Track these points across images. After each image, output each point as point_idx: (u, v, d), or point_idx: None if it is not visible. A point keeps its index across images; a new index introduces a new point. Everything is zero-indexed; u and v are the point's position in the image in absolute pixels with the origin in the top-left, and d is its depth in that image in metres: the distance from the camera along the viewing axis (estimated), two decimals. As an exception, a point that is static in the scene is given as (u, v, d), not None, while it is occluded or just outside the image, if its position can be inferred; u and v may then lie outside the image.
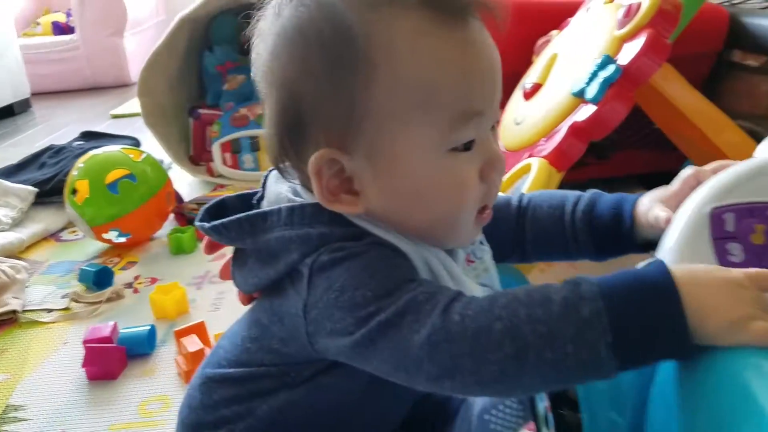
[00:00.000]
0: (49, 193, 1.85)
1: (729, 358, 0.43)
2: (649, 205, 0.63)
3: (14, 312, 1.30)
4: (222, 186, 1.92)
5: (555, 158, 1.00)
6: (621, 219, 0.65)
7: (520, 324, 0.45)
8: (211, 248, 0.67)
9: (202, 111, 2.11)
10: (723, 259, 0.52)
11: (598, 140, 1.57)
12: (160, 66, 1.97)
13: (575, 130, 0.96)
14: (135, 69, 3.64)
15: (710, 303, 0.43)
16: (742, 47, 1.47)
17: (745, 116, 1.47)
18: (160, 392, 1.04)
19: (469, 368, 0.46)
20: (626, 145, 1.60)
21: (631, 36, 0.97)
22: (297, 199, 0.57)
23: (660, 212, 0.60)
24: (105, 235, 1.54)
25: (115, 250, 1.60)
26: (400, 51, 0.50)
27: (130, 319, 1.25)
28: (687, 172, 0.61)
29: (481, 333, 0.45)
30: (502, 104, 1.26)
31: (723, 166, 0.58)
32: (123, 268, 1.50)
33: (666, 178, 0.64)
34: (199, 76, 2.20)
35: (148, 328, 1.15)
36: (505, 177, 1.06)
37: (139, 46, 3.88)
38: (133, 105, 2.75)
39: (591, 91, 0.95)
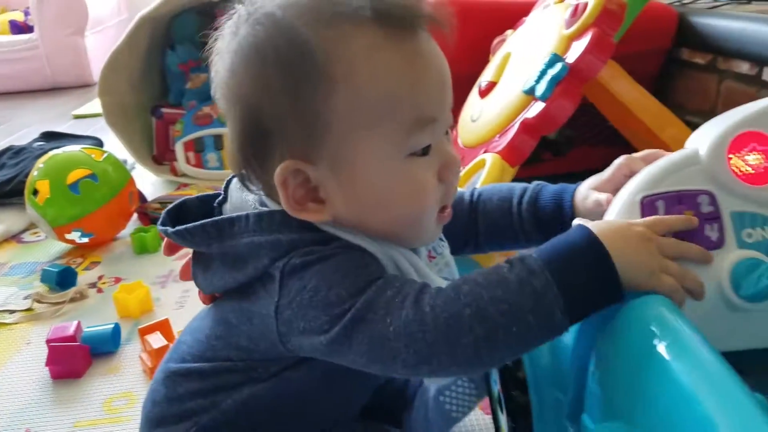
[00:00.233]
0: (10, 194, 1.84)
1: (639, 312, 0.50)
2: (585, 192, 0.67)
3: (-23, 314, 1.30)
4: (186, 185, 1.93)
5: (508, 154, 1.03)
6: (562, 208, 0.69)
7: (486, 306, 0.49)
8: (171, 250, 0.69)
9: (164, 110, 2.10)
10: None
11: (555, 137, 1.62)
12: (121, 65, 1.97)
13: (526, 126, 0.99)
14: (97, 68, 3.57)
15: (631, 258, 0.51)
16: (690, 46, 1.52)
17: (695, 112, 1.53)
18: (125, 389, 1.05)
19: (446, 352, 0.50)
20: (582, 142, 1.64)
21: (577, 35, 1.01)
22: (264, 207, 0.59)
23: (599, 196, 0.65)
24: (67, 236, 1.54)
25: (78, 250, 1.59)
26: (357, 65, 0.53)
27: (94, 318, 1.25)
28: (619, 160, 0.66)
29: (452, 320, 0.49)
30: (462, 103, 1.30)
31: (653, 155, 0.63)
32: (86, 269, 1.50)
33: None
34: (162, 75, 2.20)
35: (112, 326, 1.15)
36: (462, 172, 1.09)
37: (101, 45, 3.82)
38: (96, 105, 2.73)
39: (540, 89, 0.99)
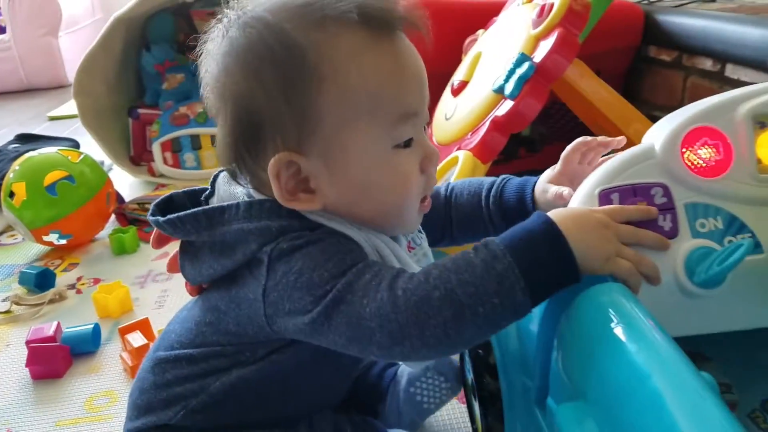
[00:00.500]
0: (-14, 197, 1.84)
1: (597, 297, 0.52)
2: (543, 186, 0.72)
3: (-44, 316, 1.30)
4: (164, 185, 1.93)
5: (479, 151, 1.06)
6: (524, 201, 0.73)
7: (454, 288, 0.52)
8: (160, 242, 0.71)
9: (141, 111, 2.11)
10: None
11: (529, 134, 1.65)
12: (96, 66, 1.97)
13: (496, 124, 1.02)
14: (71, 69, 3.58)
15: (588, 242, 0.53)
16: (657, 43, 1.56)
17: (662, 108, 1.57)
18: (106, 388, 1.06)
19: (416, 334, 0.52)
20: (555, 138, 1.68)
21: (544, 35, 1.03)
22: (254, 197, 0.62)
23: (558, 189, 0.69)
24: (45, 238, 1.54)
25: (57, 252, 1.60)
26: (345, 64, 0.57)
27: (73, 319, 1.26)
28: (566, 151, 0.73)
29: (422, 302, 0.52)
30: (437, 101, 1.32)
31: (592, 140, 0.72)
32: (65, 270, 1.51)
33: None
34: (137, 76, 2.20)
35: (92, 326, 1.17)
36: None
37: (75, 45, 3.80)
38: (71, 106, 2.72)
39: (509, 88, 1.01)
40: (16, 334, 1.25)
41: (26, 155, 1.58)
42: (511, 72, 1.02)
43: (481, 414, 0.77)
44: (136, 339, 1.10)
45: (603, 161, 0.70)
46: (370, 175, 0.60)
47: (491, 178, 0.77)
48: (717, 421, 0.39)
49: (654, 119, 0.68)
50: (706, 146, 0.60)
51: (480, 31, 1.47)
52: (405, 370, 0.82)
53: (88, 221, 1.60)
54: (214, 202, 0.65)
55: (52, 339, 1.13)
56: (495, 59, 1.20)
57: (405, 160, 0.61)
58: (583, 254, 0.53)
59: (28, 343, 1.12)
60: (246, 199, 0.62)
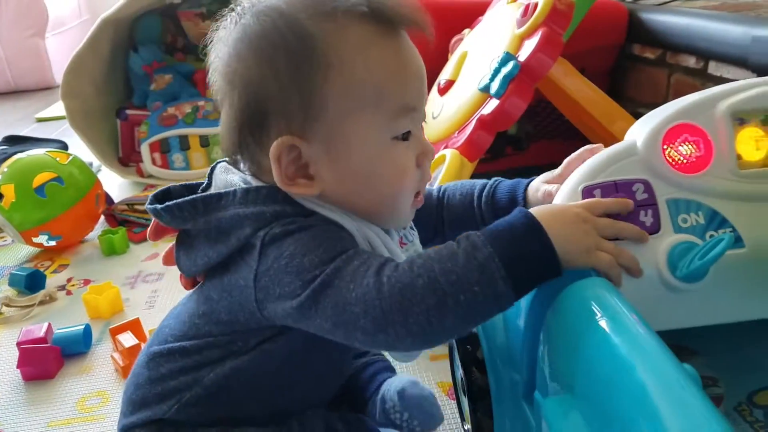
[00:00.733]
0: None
1: (581, 292, 0.53)
2: (537, 185, 0.73)
3: (-54, 318, 1.30)
4: (152, 186, 1.93)
5: (466, 149, 1.07)
6: (516, 201, 0.74)
7: (437, 277, 0.53)
8: (157, 234, 0.71)
9: (129, 112, 2.11)
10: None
11: (515, 132, 1.66)
12: (84, 68, 1.97)
13: (482, 123, 1.03)
14: (58, 71, 3.55)
15: (568, 236, 0.55)
16: (641, 41, 1.58)
17: (647, 105, 1.58)
18: (98, 388, 1.07)
19: (400, 321, 0.53)
20: (541, 136, 1.69)
21: (528, 34, 1.04)
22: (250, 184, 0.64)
23: (548, 187, 0.70)
24: (35, 239, 1.54)
25: (47, 253, 1.60)
26: (352, 55, 0.59)
27: (64, 320, 1.27)
28: (570, 157, 0.72)
29: (406, 290, 0.53)
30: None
31: (598, 148, 0.69)
32: (55, 271, 1.51)
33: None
34: (125, 77, 2.21)
35: (83, 327, 1.17)
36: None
37: (62, 46, 3.78)
38: (59, 108, 2.72)
39: (494, 87, 1.02)
40: (6, 335, 1.25)
41: (15, 157, 1.58)
42: (497, 71, 1.03)
43: (470, 409, 0.78)
44: (127, 339, 1.10)
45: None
46: (369, 164, 0.61)
47: (483, 180, 0.78)
48: (698, 411, 0.40)
49: (638, 116, 0.69)
50: (687, 143, 0.61)
51: (466, 31, 1.48)
52: (387, 382, 0.82)
53: (78, 222, 1.60)
54: (212, 192, 0.66)
55: (43, 340, 1.13)
56: (481, 58, 1.21)
57: (402, 152, 0.62)
58: (563, 247, 0.54)
59: (19, 344, 1.12)
60: (243, 186, 0.63)
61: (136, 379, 0.70)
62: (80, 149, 2.01)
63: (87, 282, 1.44)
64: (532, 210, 0.57)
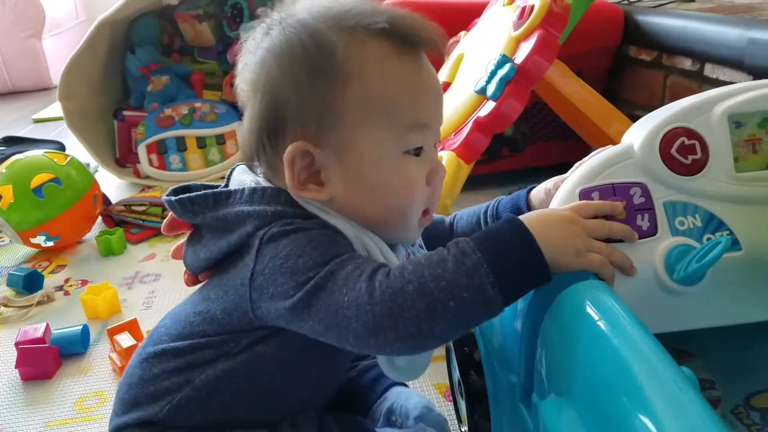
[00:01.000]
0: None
1: (577, 295, 0.54)
2: (540, 189, 0.73)
3: (-57, 319, 1.30)
4: (149, 187, 1.93)
5: (462, 151, 1.07)
6: (519, 209, 0.75)
7: (427, 282, 0.53)
8: (171, 228, 0.72)
9: (126, 113, 2.11)
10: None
11: (511, 134, 1.67)
12: (81, 69, 1.97)
13: (479, 125, 1.03)
14: (55, 72, 3.57)
15: (555, 239, 0.55)
16: (637, 43, 1.58)
17: (643, 107, 1.59)
18: (96, 388, 1.07)
19: (390, 326, 0.53)
20: (538, 138, 1.70)
21: (525, 36, 1.05)
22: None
23: (547, 185, 0.72)
24: (33, 240, 1.54)
25: (44, 254, 1.60)
26: (370, 67, 0.61)
27: (62, 320, 1.27)
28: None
29: (397, 295, 0.53)
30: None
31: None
32: (53, 272, 1.51)
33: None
34: (122, 79, 2.21)
35: (81, 327, 1.17)
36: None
37: (60, 48, 3.79)
38: (56, 109, 2.71)
39: (491, 89, 1.03)
40: (4, 335, 1.25)
41: (13, 158, 1.59)
42: (493, 73, 1.04)
43: (467, 411, 0.78)
44: (125, 340, 1.11)
45: None
46: (378, 175, 0.62)
47: (487, 203, 0.80)
48: (695, 414, 0.40)
49: (635, 118, 0.70)
50: (684, 146, 0.62)
51: (462, 33, 1.48)
52: (392, 394, 0.82)
53: (75, 223, 1.60)
54: (223, 189, 0.68)
55: (41, 340, 1.13)
56: (477, 61, 1.21)
57: (413, 167, 0.63)
58: (552, 251, 0.55)
59: (17, 344, 1.12)
60: (252, 185, 0.65)
61: (128, 378, 0.71)
62: (77, 150, 2.01)
63: (84, 282, 1.44)
64: (521, 216, 0.57)
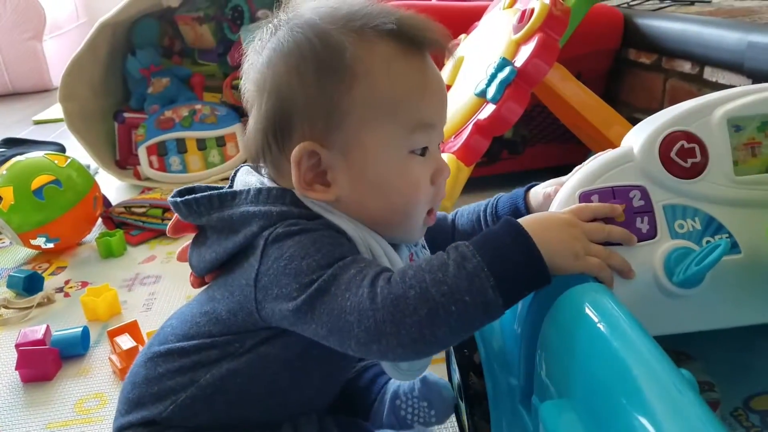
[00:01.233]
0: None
1: (577, 297, 0.54)
2: (538, 191, 0.73)
3: (-57, 321, 1.30)
4: (149, 189, 1.93)
5: (462, 154, 1.07)
6: (518, 210, 0.75)
7: (428, 287, 0.53)
8: (176, 230, 0.73)
9: (126, 115, 2.11)
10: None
11: (511, 136, 1.67)
12: (82, 71, 1.97)
13: (479, 128, 1.03)
14: (56, 73, 3.57)
15: (554, 241, 0.56)
16: (636, 46, 1.58)
17: (642, 110, 1.59)
18: (96, 390, 1.07)
19: (392, 332, 0.53)
20: (537, 140, 1.70)
21: (525, 39, 1.05)
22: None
23: (547, 189, 0.72)
24: (33, 242, 1.54)
25: (44, 255, 1.61)
26: (377, 68, 0.61)
27: (62, 322, 1.27)
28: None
29: (399, 301, 0.53)
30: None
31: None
32: (53, 274, 1.51)
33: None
34: (123, 80, 2.21)
35: (81, 329, 1.17)
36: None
37: (60, 50, 3.80)
38: (56, 110, 2.71)
39: (491, 92, 1.03)
40: (5, 337, 1.25)
41: (13, 160, 1.59)
42: (493, 76, 1.04)
43: (467, 413, 0.78)
44: (125, 341, 1.11)
45: None
46: (384, 174, 0.63)
47: (486, 200, 0.80)
48: (695, 416, 0.40)
49: (634, 121, 0.70)
50: (684, 149, 0.62)
51: (462, 36, 1.48)
52: (390, 384, 0.83)
53: (76, 225, 1.60)
54: (228, 190, 0.69)
55: (41, 342, 1.13)
56: (477, 63, 1.21)
57: (418, 167, 0.64)
58: (551, 253, 0.55)
59: (17, 346, 1.12)
60: (258, 186, 0.65)
61: (133, 378, 0.71)
62: (77, 152, 2.01)
63: (85, 284, 1.44)
64: (520, 219, 0.58)
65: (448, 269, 0.54)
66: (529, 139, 1.69)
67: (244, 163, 0.72)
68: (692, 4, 1.63)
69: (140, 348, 1.09)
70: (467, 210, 0.81)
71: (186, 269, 0.70)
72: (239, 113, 2.09)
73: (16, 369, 1.10)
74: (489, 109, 1.02)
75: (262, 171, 0.68)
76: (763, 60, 1.15)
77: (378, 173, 0.63)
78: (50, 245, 1.56)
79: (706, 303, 0.59)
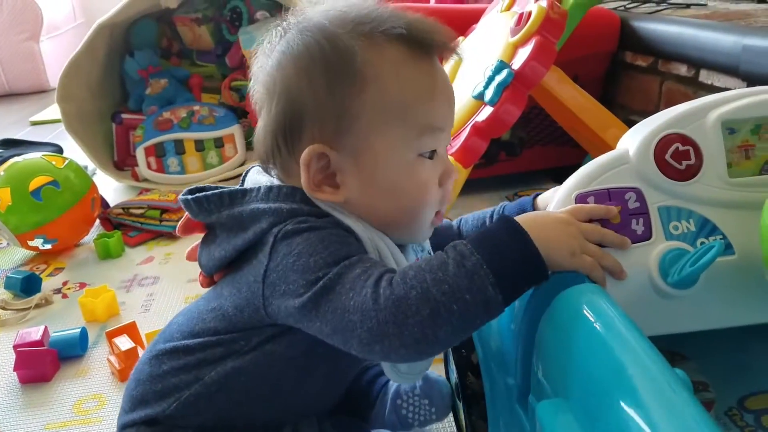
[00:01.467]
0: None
1: (574, 298, 0.55)
2: (546, 196, 0.74)
3: (-59, 322, 1.30)
4: (147, 190, 1.93)
5: (461, 156, 1.08)
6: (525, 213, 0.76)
7: (429, 287, 0.54)
8: (186, 229, 0.73)
9: (124, 116, 2.11)
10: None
11: (508, 138, 1.68)
12: (80, 72, 1.97)
13: (477, 130, 1.04)
14: (53, 74, 3.57)
15: (551, 239, 0.57)
16: (633, 49, 1.59)
17: (639, 112, 1.60)
18: (95, 391, 1.07)
19: (395, 333, 0.54)
20: (535, 142, 1.71)
21: (522, 42, 1.06)
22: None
23: (549, 193, 0.72)
24: (31, 243, 1.54)
25: (42, 256, 1.61)
26: (386, 72, 0.62)
27: (60, 323, 1.27)
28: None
29: (400, 302, 0.54)
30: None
31: None
32: (51, 275, 1.51)
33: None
34: (121, 81, 2.21)
35: (79, 330, 1.17)
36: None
37: (57, 50, 3.79)
38: (53, 111, 2.72)
39: (489, 94, 1.03)
40: (3, 338, 1.25)
41: (11, 161, 1.59)
42: (491, 79, 1.05)
43: (465, 413, 0.79)
44: (124, 342, 1.11)
45: None
46: (393, 176, 0.64)
47: (491, 208, 0.81)
48: (688, 414, 0.41)
49: (630, 123, 0.70)
50: (679, 151, 0.63)
51: (460, 39, 1.49)
52: (390, 384, 0.84)
53: (73, 226, 1.60)
54: (239, 188, 0.69)
55: (39, 343, 1.13)
56: (475, 66, 1.22)
57: (427, 169, 0.65)
58: (547, 250, 0.56)
59: (15, 347, 1.12)
60: (269, 184, 0.66)
61: (138, 375, 0.71)
62: (75, 153, 2.01)
63: (83, 285, 1.44)
64: (516, 218, 0.58)
65: (448, 268, 0.55)
66: (526, 141, 1.70)
67: (242, 164, 0.73)
68: (688, 7, 1.63)
69: (139, 349, 1.09)
70: (471, 217, 0.82)
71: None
72: (237, 114, 2.09)
73: (14, 370, 1.10)
74: (487, 111, 1.03)
75: (272, 172, 0.68)
76: (758, 63, 1.16)
77: (387, 176, 0.64)
78: (48, 246, 1.56)
79: (700, 304, 0.60)
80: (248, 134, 2.06)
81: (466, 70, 1.29)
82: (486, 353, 0.74)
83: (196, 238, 0.71)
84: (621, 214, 0.61)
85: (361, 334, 0.55)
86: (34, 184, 1.52)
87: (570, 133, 1.38)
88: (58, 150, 2.31)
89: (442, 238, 0.75)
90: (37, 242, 1.54)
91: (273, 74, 0.65)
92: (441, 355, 0.91)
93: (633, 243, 0.60)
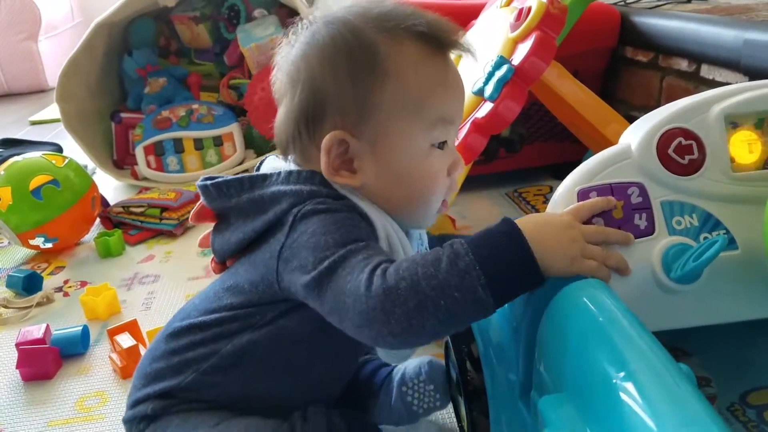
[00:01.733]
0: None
1: (577, 293, 0.55)
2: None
3: (-57, 321, 1.30)
4: (147, 189, 1.94)
5: (460, 152, 1.07)
6: None
7: (419, 280, 0.56)
8: (199, 217, 0.76)
9: (123, 115, 2.11)
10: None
11: (508, 135, 1.67)
12: (78, 71, 1.98)
13: (477, 126, 1.03)
14: (51, 74, 3.57)
15: (550, 243, 0.57)
16: (633, 44, 1.59)
17: (639, 107, 1.59)
18: (97, 388, 1.07)
19: (382, 320, 0.56)
20: (534, 138, 1.70)
21: (522, 38, 1.05)
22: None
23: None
24: (31, 242, 1.55)
25: (43, 255, 1.61)
26: (406, 66, 0.67)
27: (61, 321, 1.27)
28: None
29: (390, 291, 0.56)
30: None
31: None
32: (52, 273, 1.51)
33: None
34: (120, 80, 2.21)
35: (81, 328, 1.18)
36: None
37: (55, 50, 3.79)
38: (52, 110, 2.72)
39: (488, 90, 1.03)
40: (4, 336, 1.26)
41: (11, 160, 1.59)
42: (490, 75, 1.04)
43: (466, 408, 0.79)
44: (125, 340, 1.11)
45: None
46: (408, 164, 0.68)
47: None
48: (692, 406, 0.41)
49: (631, 119, 0.70)
50: (681, 146, 0.63)
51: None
52: (400, 369, 0.85)
53: (74, 225, 1.61)
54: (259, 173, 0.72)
55: (41, 341, 1.13)
56: (474, 62, 1.22)
57: (437, 159, 0.69)
58: (546, 256, 0.56)
59: (17, 345, 1.13)
60: (288, 169, 0.69)
61: (152, 352, 0.74)
62: (74, 152, 2.01)
63: (84, 284, 1.44)
64: (518, 220, 0.59)
65: (441, 265, 0.56)
66: (526, 138, 1.70)
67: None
68: (689, 1, 1.63)
69: (140, 346, 1.10)
70: None
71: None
72: (236, 113, 2.09)
73: (16, 368, 1.10)
74: (486, 107, 1.02)
75: (289, 158, 0.71)
76: (759, 57, 1.15)
77: (402, 163, 0.68)
78: (49, 245, 1.56)
79: (703, 299, 0.59)
80: (247, 132, 2.06)
81: (466, 65, 1.29)
82: (487, 349, 0.74)
83: (194, 237, 0.73)
84: (624, 209, 0.61)
85: (353, 317, 0.57)
86: (34, 183, 1.53)
87: (570, 129, 1.38)
88: (58, 149, 2.31)
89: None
90: (38, 241, 1.55)
91: (297, 63, 0.69)
92: (442, 350, 0.91)
93: (636, 238, 0.60)
